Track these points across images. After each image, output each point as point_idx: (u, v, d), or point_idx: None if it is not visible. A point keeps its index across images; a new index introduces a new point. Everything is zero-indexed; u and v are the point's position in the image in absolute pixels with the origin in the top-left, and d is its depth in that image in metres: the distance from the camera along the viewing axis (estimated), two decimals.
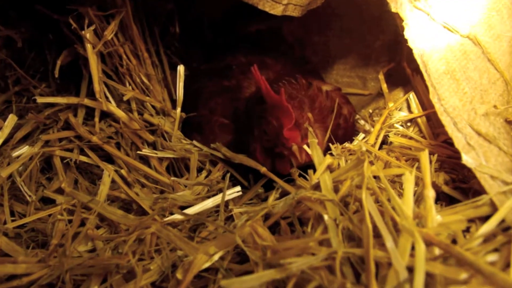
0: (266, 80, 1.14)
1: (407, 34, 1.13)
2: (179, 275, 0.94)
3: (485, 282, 0.66)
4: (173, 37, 2.04)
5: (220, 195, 1.26)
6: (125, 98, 1.51)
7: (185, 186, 1.42)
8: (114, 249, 1.16)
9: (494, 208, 0.83)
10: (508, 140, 0.95)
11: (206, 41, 2.07)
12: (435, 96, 1.00)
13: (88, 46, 1.44)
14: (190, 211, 1.23)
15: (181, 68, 1.51)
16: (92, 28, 1.45)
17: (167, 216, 1.24)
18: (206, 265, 0.96)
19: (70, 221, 1.28)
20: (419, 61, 1.08)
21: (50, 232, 1.24)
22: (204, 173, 1.48)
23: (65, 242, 1.16)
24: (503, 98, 1.12)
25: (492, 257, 0.72)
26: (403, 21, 1.15)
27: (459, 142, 0.92)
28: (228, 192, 1.29)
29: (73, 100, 1.54)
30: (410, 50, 1.15)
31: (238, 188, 1.31)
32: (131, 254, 1.02)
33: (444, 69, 1.09)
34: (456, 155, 1.17)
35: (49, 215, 1.30)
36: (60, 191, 1.41)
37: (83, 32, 1.42)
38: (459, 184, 1.15)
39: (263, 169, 1.25)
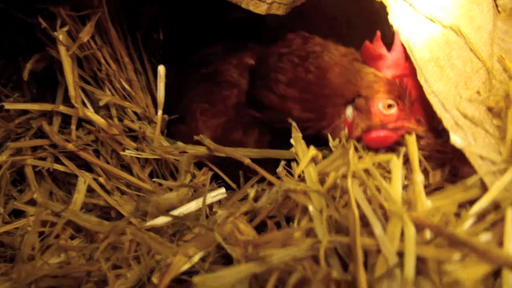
0: (246, 64, 1.10)
1: (391, 20, 1.10)
2: (155, 279, 0.87)
3: (480, 260, 0.60)
4: (157, 44, 2.01)
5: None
6: (101, 103, 1.45)
7: (170, 190, 1.35)
8: (89, 259, 1.09)
9: (483, 190, 0.78)
10: (492, 128, 0.92)
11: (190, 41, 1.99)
12: (422, 77, 0.98)
13: (61, 48, 1.38)
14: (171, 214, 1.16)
15: (161, 69, 1.46)
16: (65, 29, 1.38)
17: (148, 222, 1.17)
18: (185, 267, 0.89)
19: (42, 234, 1.21)
20: (405, 45, 1.06)
21: (19, 245, 1.16)
22: (188, 177, 1.42)
23: (34, 254, 1.09)
24: (486, 86, 1.11)
25: (485, 236, 0.67)
26: (386, 7, 1.13)
27: (447, 122, 0.88)
28: (213, 193, 1.23)
29: (47, 107, 1.47)
30: None
31: (223, 189, 1.25)
32: (103, 261, 0.94)
33: (428, 56, 1.07)
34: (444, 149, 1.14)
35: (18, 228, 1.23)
36: (32, 202, 1.33)
37: (55, 33, 1.37)
38: (449, 177, 1.11)
39: (247, 161, 1.19)
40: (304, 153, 0.96)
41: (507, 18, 1.29)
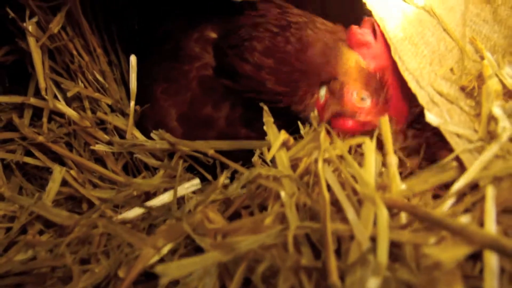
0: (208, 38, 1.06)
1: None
2: (121, 273, 0.82)
3: (459, 242, 0.57)
4: (132, 34, 1.95)
5: (179, 189, 1.15)
6: (69, 94, 1.40)
7: None
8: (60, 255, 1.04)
9: (460, 172, 0.76)
10: (466, 106, 0.90)
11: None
12: (396, 55, 0.95)
13: (31, 39, 1.33)
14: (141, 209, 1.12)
15: (132, 59, 1.40)
16: (34, 20, 1.34)
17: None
18: (154, 260, 0.84)
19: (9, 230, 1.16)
20: (379, 23, 1.03)
21: None
22: (161, 171, 1.37)
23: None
24: (459, 65, 1.09)
25: (465, 218, 0.64)
26: None
27: (423, 98, 0.85)
28: (186, 185, 1.18)
29: (16, 99, 1.41)
30: None
31: (197, 180, 1.20)
32: (69, 255, 0.90)
33: (402, 35, 1.05)
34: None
35: None
36: (1, 198, 1.27)
37: (24, 24, 1.32)
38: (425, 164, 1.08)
39: (211, 152, 1.13)
40: (275, 137, 0.92)
41: (479, 1, 1.28)
